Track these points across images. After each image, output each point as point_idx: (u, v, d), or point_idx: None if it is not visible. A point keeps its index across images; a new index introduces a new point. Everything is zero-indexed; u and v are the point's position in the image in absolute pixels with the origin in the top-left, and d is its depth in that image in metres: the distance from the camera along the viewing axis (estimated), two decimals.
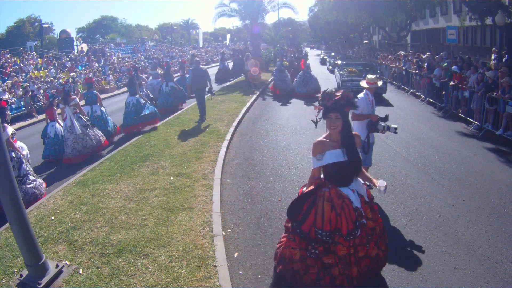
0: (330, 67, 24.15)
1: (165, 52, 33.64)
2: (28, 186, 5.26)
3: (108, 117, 8.87)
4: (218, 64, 23.18)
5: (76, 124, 7.19)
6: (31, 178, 5.42)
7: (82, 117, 7.55)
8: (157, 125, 9.36)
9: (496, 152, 6.91)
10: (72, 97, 7.50)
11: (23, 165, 5.38)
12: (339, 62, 20.90)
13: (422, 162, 6.31)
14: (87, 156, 7.27)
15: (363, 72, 12.71)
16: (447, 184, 5.41)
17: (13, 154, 5.25)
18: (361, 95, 4.79)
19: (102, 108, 8.78)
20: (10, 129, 5.38)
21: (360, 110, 4.48)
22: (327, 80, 18.18)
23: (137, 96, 9.19)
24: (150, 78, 14.76)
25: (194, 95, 9.93)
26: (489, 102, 8.03)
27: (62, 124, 7.60)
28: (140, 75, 12.81)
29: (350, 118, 3.25)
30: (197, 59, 12.01)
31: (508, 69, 8.12)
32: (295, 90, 13.50)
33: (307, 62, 14.26)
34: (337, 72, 15.57)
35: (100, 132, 7.87)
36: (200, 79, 9.37)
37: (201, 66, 10.33)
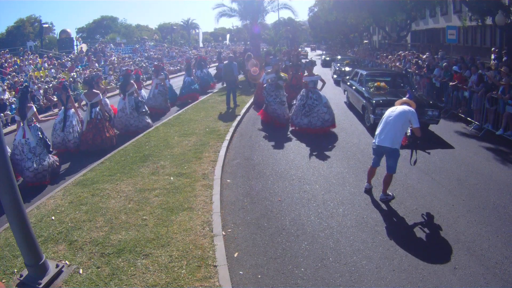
0: (335, 75, 17.03)
1: (165, 52, 33.61)
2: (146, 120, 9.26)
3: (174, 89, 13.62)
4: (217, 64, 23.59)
5: (155, 90, 11.45)
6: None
7: (164, 88, 11.61)
8: (198, 100, 13.25)
9: (496, 152, 6.91)
10: (161, 73, 11.85)
11: (141, 108, 9.08)
12: (347, 68, 15.81)
13: (422, 162, 6.30)
14: (159, 110, 11.33)
15: (404, 92, 7.33)
16: (447, 184, 5.41)
17: (138, 98, 9.28)
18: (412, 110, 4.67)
19: (170, 83, 13.57)
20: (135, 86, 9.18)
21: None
22: (333, 89, 14.67)
23: (192, 77, 13.93)
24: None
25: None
26: (489, 102, 8.03)
27: (142, 94, 11.04)
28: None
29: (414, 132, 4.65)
30: (231, 55, 13.85)
31: (509, 69, 8.12)
32: (293, 120, 8.55)
33: (315, 74, 8.52)
34: (351, 87, 10.36)
35: (168, 100, 12.02)
36: (230, 72, 11.29)
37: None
